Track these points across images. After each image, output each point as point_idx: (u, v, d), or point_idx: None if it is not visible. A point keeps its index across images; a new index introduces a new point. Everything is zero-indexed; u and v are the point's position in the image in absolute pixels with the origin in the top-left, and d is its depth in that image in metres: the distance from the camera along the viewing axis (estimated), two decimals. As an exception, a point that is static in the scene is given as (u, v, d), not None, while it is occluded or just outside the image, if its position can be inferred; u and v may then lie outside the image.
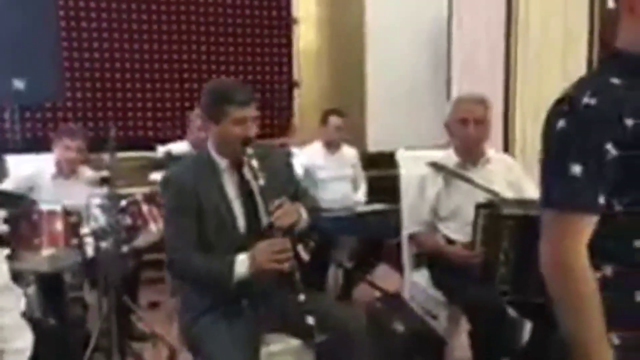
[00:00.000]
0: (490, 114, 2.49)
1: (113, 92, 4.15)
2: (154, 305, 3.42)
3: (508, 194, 2.41)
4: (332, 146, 3.76)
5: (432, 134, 3.64)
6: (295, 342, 1.95)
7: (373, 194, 3.81)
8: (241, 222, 1.93)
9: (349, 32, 4.68)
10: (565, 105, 1.10)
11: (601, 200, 1.07)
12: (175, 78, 4.28)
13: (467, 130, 2.41)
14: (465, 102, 2.49)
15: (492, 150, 2.59)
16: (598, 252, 1.09)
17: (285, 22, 4.49)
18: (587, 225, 1.08)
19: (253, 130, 1.93)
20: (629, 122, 1.05)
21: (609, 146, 1.05)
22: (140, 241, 2.72)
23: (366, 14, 4.59)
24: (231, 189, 1.95)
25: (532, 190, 2.40)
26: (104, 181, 2.49)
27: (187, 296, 2.02)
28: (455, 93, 3.75)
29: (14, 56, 3.45)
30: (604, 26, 3.12)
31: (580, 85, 1.12)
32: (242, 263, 1.82)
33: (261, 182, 1.86)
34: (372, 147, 4.65)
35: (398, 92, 4.58)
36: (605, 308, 1.07)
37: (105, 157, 2.47)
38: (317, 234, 3.28)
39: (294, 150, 3.87)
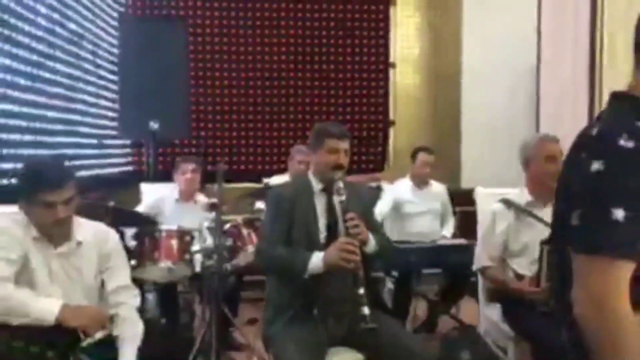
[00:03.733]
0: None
1: (229, 132, 4.74)
2: (252, 321, 3.72)
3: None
4: (420, 181, 3.95)
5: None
6: (359, 356, 2.14)
7: (464, 229, 3.91)
8: (322, 235, 2.27)
9: (445, 75, 4.89)
10: (599, 146, 1.08)
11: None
12: (282, 118, 4.77)
13: (553, 167, 2.43)
14: (550, 141, 2.58)
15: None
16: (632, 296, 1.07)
17: (382, 66, 4.82)
18: (629, 271, 1.05)
19: (345, 160, 2.32)
20: None
21: None
22: (240, 260, 3.10)
23: (462, 57, 4.79)
24: (320, 207, 2.31)
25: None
26: (212, 207, 2.93)
27: (270, 294, 2.36)
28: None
29: (150, 101, 4.14)
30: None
31: (611, 126, 1.10)
32: (317, 258, 2.14)
33: (343, 197, 2.21)
34: (466, 183, 4.75)
35: (491, 132, 4.68)
36: None
37: (215, 187, 2.93)
38: (398, 267, 3.51)
39: (385, 184, 4.14)
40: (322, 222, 2.30)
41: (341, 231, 2.25)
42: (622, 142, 1.05)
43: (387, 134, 4.89)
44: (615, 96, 1.20)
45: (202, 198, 3.60)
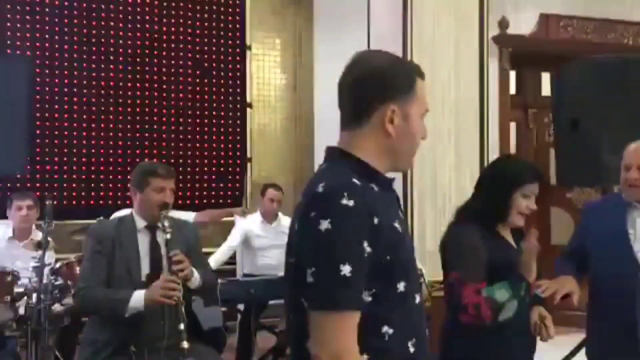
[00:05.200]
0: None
1: (69, 166, 4.58)
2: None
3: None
4: (269, 216, 4.12)
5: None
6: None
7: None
8: (144, 273, 2.33)
9: (299, 114, 5.19)
10: (325, 206, 1.15)
11: (365, 296, 1.14)
12: (128, 160, 4.71)
13: None
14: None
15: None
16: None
17: (239, 105, 5.01)
18: (356, 323, 1.13)
19: (171, 199, 2.41)
20: (376, 220, 1.15)
21: (365, 244, 1.13)
22: (72, 300, 3.01)
23: (314, 98, 5.12)
24: (143, 245, 2.37)
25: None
26: (39, 245, 2.84)
27: (86, 334, 2.35)
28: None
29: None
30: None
31: (333, 185, 1.17)
32: (138, 296, 2.20)
33: (168, 236, 2.30)
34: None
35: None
36: None
37: (43, 223, 2.85)
38: (243, 300, 3.60)
39: (238, 218, 4.26)
40: (145, 260, 2.36)
41: (165, 268, 2.32)
42: (344, 202, 1.13)
43: (244, 169, 5.03)
44: (333, 152, 1.30)
45: (38, 235, 3.45)
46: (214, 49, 4.93)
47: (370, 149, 1.27)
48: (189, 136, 4.87)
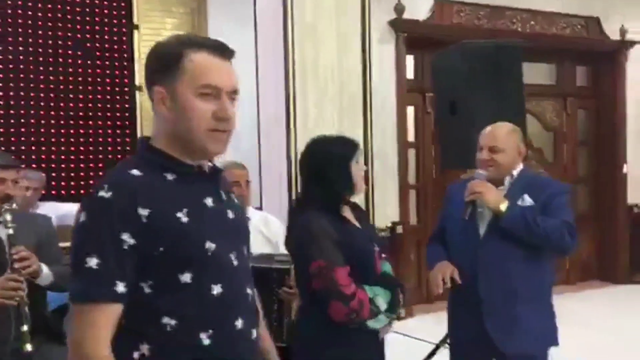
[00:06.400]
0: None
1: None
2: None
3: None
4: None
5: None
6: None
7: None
8: None
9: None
10: (85, 198, 1.18)
11: (120, 288, 1.12)
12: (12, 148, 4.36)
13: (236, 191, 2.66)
14: (235, 167, 2.77)
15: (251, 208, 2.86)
16: (135, 333, 1.16)
17: (127, 89, 4.74)
18: (110, 315, 1.12)
19: (16, 190, 2.23)
20: (144, 212, 1.13)
21: (125, 236, 1.12)
22: None
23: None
24: None
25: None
26: None
27: None
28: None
29: None
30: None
31: (101, 179, 1.19)
32: None
33: (10, 231, 2.13)
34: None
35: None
36: None
37: None
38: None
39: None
40: None
41: (7, 264, 2.15)
42: (101, 194, 1.13)
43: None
44: (139, 143, 1.29)
45: None
46: (97, 28, 4.62)
47: (160, 136, 1.25)
48: (72, 121, 4.56)
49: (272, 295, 2.34)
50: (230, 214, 1.30)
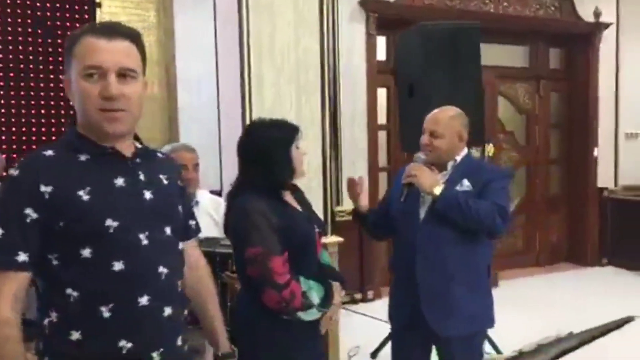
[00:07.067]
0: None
1: None
2: None
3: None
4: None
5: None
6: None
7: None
8: None
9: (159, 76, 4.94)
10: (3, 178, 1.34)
11: (22, 257, 1.22)
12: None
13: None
14: (185, 151, 2.74)
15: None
16: (47, 301, 1.28)
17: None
18: (13, 281, 1.23)
19: None
20: (47, 189, 1.23)
21: (29, 211, 1.22)
22: None
23: (176, 58, 4.88)
24: None
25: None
26: None
27: None
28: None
29: None
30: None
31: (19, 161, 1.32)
32: None
33: None
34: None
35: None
36: (52, 349, 1.27)
37: None
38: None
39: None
40: None
41: None
42: (11, 172, 1.27)
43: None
44: (69, 127, 1.38)
45: None
46: (58, 5, 4.51)
47: (79, 121, 1.33)
48: (32, 102, 4.48)
49: (215, 278, 2.32)
50: (148, 195, 1.34)
